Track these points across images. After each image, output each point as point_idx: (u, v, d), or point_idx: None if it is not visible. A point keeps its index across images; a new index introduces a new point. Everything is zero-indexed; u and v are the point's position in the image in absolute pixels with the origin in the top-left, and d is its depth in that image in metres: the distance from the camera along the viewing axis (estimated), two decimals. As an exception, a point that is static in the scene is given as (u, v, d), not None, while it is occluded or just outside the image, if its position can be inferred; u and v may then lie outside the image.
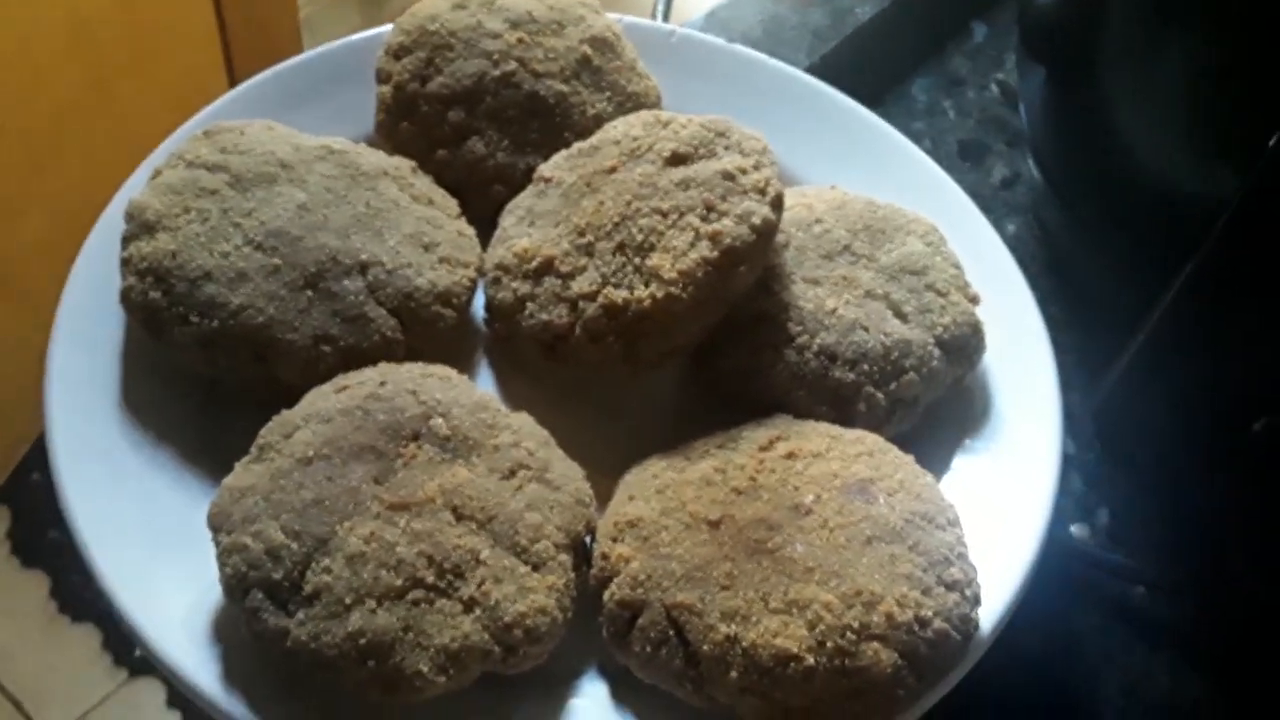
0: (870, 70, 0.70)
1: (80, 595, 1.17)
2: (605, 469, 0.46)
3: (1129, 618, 0.49)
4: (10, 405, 1.12)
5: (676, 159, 0.48)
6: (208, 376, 0.48)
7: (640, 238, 0.46)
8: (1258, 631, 0.47)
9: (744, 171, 0.47)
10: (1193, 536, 0.47)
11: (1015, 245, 0.63)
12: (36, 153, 1.18)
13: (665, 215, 0.47)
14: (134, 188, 0.52)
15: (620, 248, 0.47)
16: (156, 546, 0.43)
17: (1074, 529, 0.52)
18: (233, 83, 1.35)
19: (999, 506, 0.45)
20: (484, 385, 0.51)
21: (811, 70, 0.67)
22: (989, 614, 0.41)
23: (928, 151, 0.62)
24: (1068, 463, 0.54)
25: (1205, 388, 0.41)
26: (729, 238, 0.45)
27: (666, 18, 0.69)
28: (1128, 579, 0.50)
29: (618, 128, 0.51)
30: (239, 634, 0.40)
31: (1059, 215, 0.58)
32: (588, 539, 0.43)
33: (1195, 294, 0.40)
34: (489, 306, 0.50)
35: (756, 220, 0.46)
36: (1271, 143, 0.36)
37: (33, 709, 1.14)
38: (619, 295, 0.46)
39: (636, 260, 0.46)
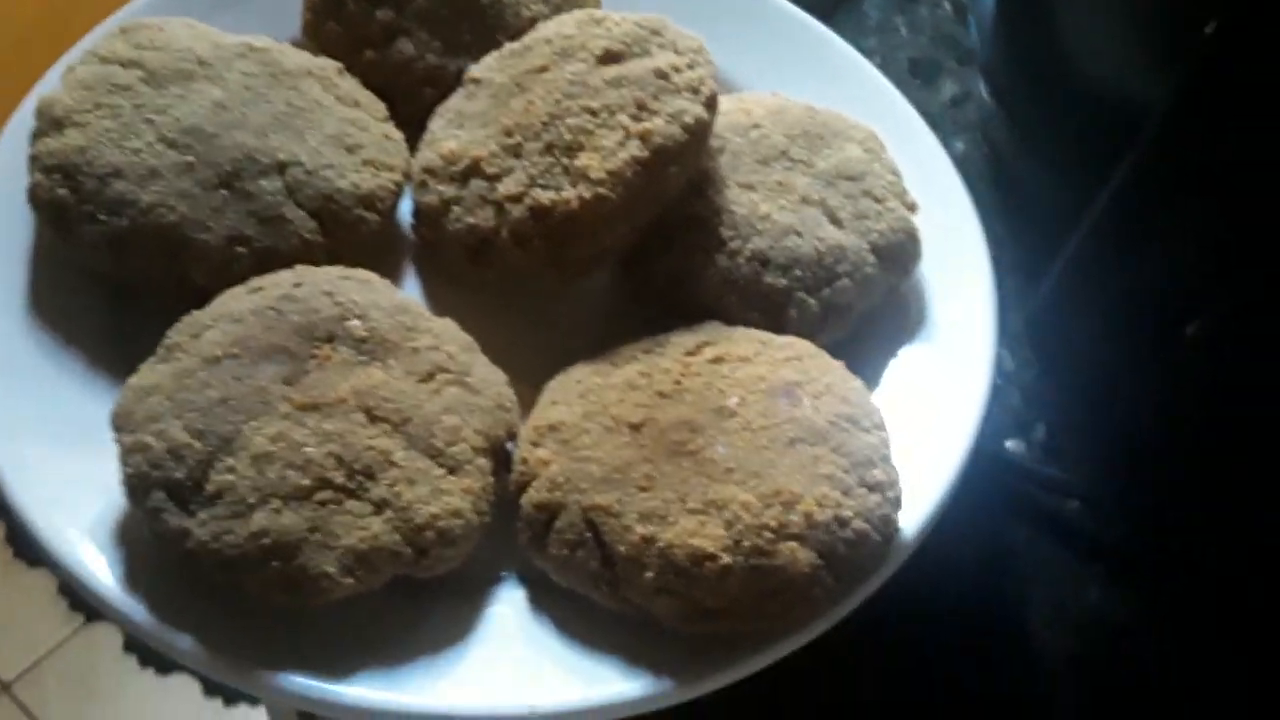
0: (823, -15, 0.68)
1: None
2: (533, 377, 0.45)
3: (1061, 532, 0.49)
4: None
5: (609, 57, 0.46)
6: (119, 278, 0.46)
7: (569, 137, 0.45)
8: (1188, 544, 0.46)
9: (678, 70, 0.45)
10: (1126, 449, 0.46)
11: (963, 163, 0.61)
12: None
13: (595, 114, 0.45)
14: (48, 86, 0.49)
15: (549, 148, 0.45)
16: (61, 447, 0.42)
17: (1009, 444, 0.51)
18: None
19: (929, 415, 0.44)
20: (410, 295, 0.50)
21: (760, -18, 0.65)
22: (913, 519, 0.40)
23: (878, 68, 0.61)
24: (1006, 378, 0.54)
25: (1137, 292, 0.40)
26: (659, 137, 0.44)
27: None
28: (1061, 493, 0.49)
29: (550, 27, 0.49)
30: (143, 536, 0.39)
31: (1006, 132, 0.57)
32: (510, 445, 0.42)
33: (1125, 197, 0.39)
34: (415, 211, 0.49)
35: (689, 119, 0.44)
36: (1203, 38, 0.35)
37: (-12, 655, 1.13)
38: (546, 196, 0.44)
39: (565, 160, 0.45)
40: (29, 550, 0.42)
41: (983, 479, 0.45)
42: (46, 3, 1.16)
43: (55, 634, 1.15)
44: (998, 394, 0.52)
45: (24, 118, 0.48)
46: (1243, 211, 0.36)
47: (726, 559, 0.36)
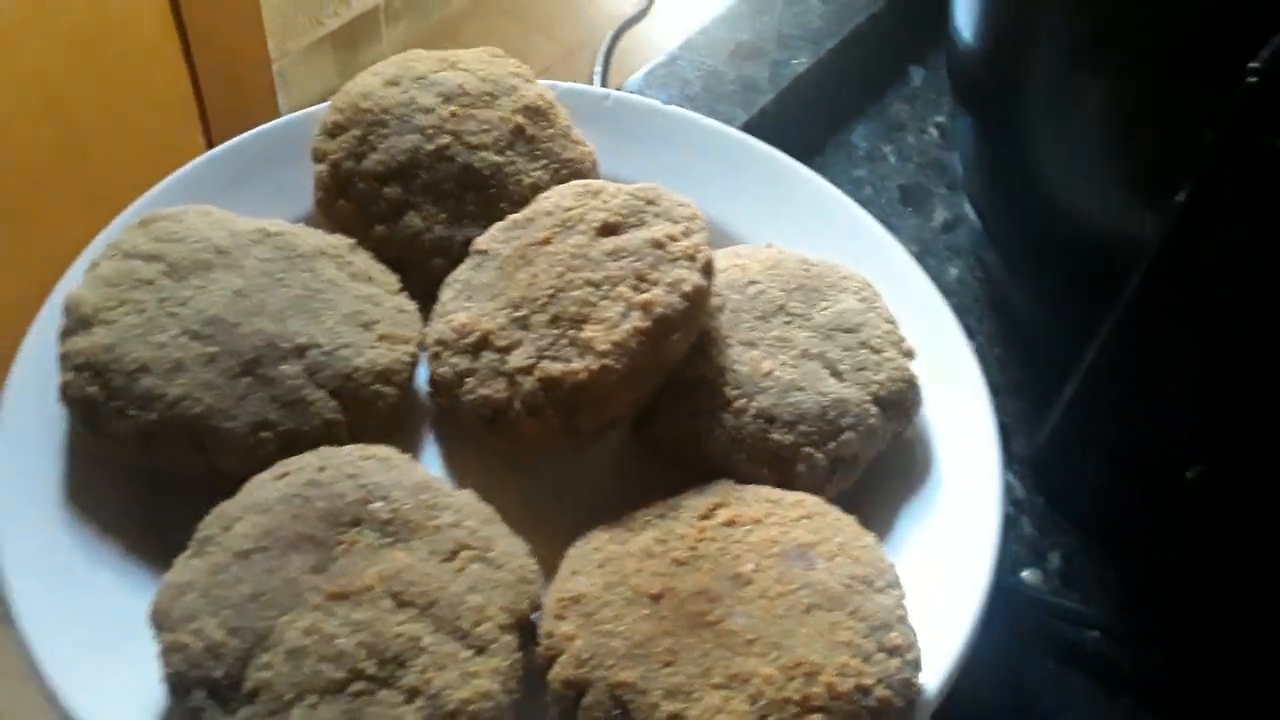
0: (810, 120, 0.71)
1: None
2: (555, 541, 0.46)
3: (1083, 663, 0.49)
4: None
5: (607, 229, 0.48)
6: (150, 468, 0.48)
7: (574, 309, 0.47)
8: (1211, 676, 0.47)
9: (673, 239, 0.47)
10: (1140, 582, 0.47)
11: (958, 288, 0.64)
12: (7, 215, 1.18)
13: (597, 286, 0.47)
14: (72, 280, 0.51)
15: (555, 320, 0.47)
16: (102, 645, 0.43)
17: (1026, 574, 0.52)
18: (209, 141, 1.36)
19: (942, 562, 0.45)
20: (431, 460, 0.51)
21: (750, 123, 0.68)
22: (934, 674, 0.41)
23: (869, 198, 0.63)
24: (1018, 506, 0.55)
25: (1137, 435, 0.42)
26: (660, 306, 0.45)
27: (605, 79, 0.70)
28: (1081, 624, 0.50)
29: (550, 198, 0.52)
30: (185, 733, 0.40)
31: (996, 257, 0.59)
32: (534, 616, 0.43)
33: (1116, 346, 0.40)
34: (431, 382, 0.50)
35: (687, 287, 0.46)
36: (1179, 196, 0.37)
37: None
38: (554, 368, 0.46)
39: (571, 332, 0.46)
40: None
41: (1001, 612, 0.46)
42: (62, 133, 1.20)
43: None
44: (1010, 523, 0.54)
45: (50, 313, 0.50)
46: (1228, 363, 0.38)
47: (752, 734, 0.37)
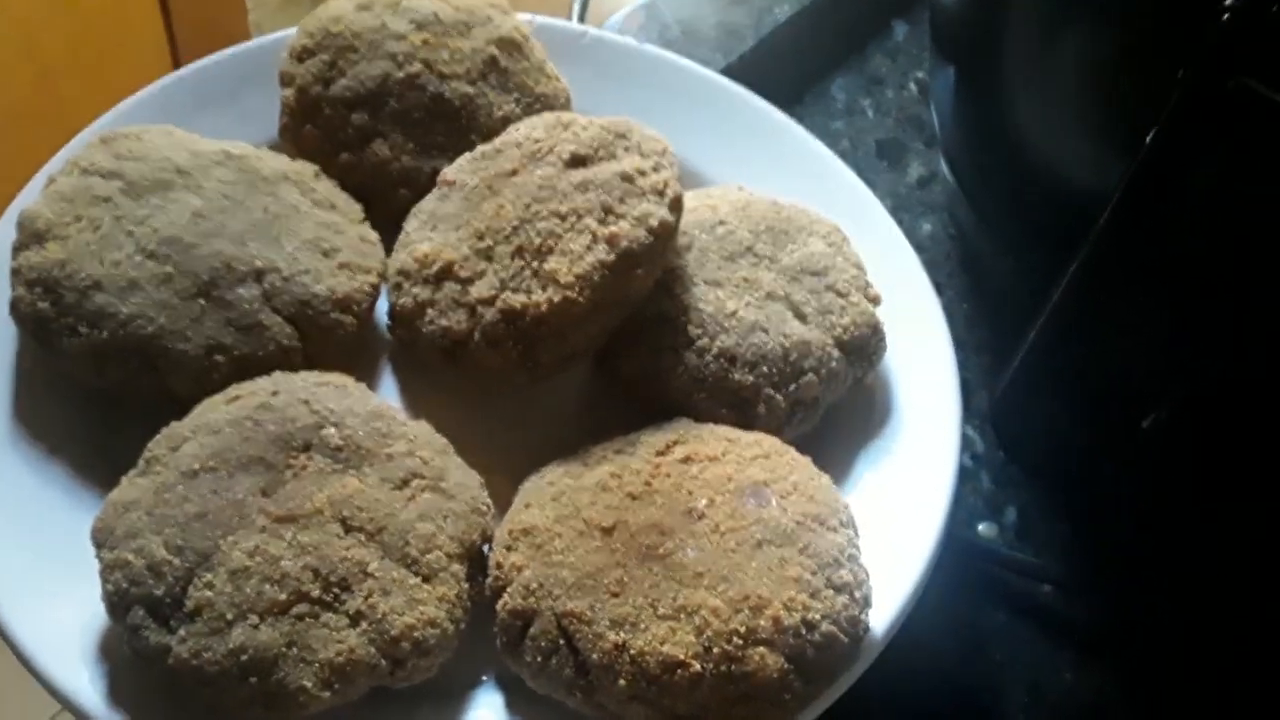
0: (790, 69, 0.70)
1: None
2: (511, 475, 0.45)
3: (1035, 616, 0.50)
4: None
5: (576, 161, 0.48)
6: (102, 388, 0.47)
7: (538, 241, 0.46)
8: (1160, 628, 0.47)
9: (643, 173, 0.47)
10: (1095, 534, 0.47)
11: (930, 244, 0.63)
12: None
13: (563, 218, 0.46)
14: (29, 197, 0.50)
15: (519, 251, 0.46)
16: (46, 561, 0.43)
17: (982, 527, 0.52)
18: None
19: (897, 508, 0.45)
20: (388, 392, 0.51)
21: (729, 69, 0.67)
22: (882, 616, 0.41)
23: (845, 151, 0.62)
24: (977, 461, 0.55)
25: (1094, 386, 0.41)
26: (625, 240, 0.45)
27: (583, 18, 0.69)
28: (1034, 577, 0.50)
29: (520, 130, 0.51)
30: (124, 651, 0.39)
31: (969, 213, 0.58)
32: (485, 548, 0.43)
33: (1080, 290, 0.40)
34: (390, 312, 0.50)
35: (654, 222, 0.45)
36: (1149, 138, 0.36)
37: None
38: (516, 300, 0.45)
39: (534, 264, 0.46)
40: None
41: (956, 564, 0.46)
42: (36, 74, 1.18)
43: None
44: (969, 477, 0.54)
45: (5, 230, 0.49)
46: (1190, 310, 0.37)
47: (697, 666, 0.36)
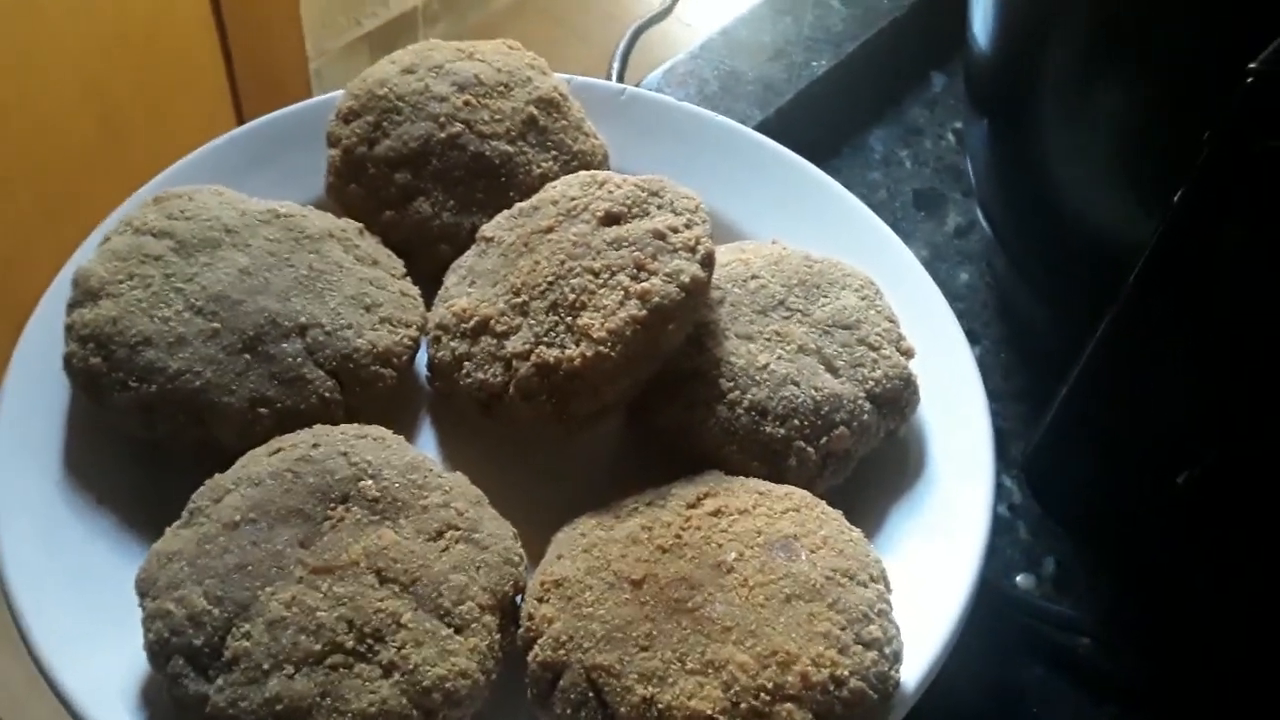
0: (828, 122, 0.71)
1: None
2: (545, 528, 0.46)
3: (1072, 669, 0.49)
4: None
5: (610, 218, 0.49)
6: (150, 441, 0.48)
7: (572, 297, 0.47)
8: (1199, 682, 0.46)
9: (675, 230, 0.47)
10: (1132, 588, 0.46)
11: (968, 293, 0.63)
12: (50, 203, 1.20)
13: (597, 274, 0.47)
14: (85, 255, 0.52)
15: (553, 307, 0.47)
16: (92, 610, 0.44)
17: (1019, 579, 0.52)
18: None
19: (929, 562, 0.45)
20: (427, 443, 0.51)
21: (767, 124, 0.68)
22: (913, 671, 0.41)
23: (883, 201, 0.63)
24: (1014, 511, 0.54)
25: (1127, 441, 0.41)
26: (657, 296, 0.46)
27: (622, 77, 0.70)
28: (1071, 630, 0.49)
29: (556, 188, 0.52)
30: (165, 700, 0.40)
31: (1006, 263, 0.58)
32: (518, 598, 0.43)
33: (1111, 346, 0.40)
34: (430, 365, 0.51)
35: (685, 278, 0.46)
36: (1176, 198, 0.36)
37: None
38: (550, 354, 0.46)
39: (568, 319, 0.46)
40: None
41: (993, 616, 0.46)
42: (103, 125, 1.21)
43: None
44: (1006, 527, 0.53)
45: (61, 287, 0.51)
46: (1222, 367, 0.37)
47: (724, 721, 0.36)
